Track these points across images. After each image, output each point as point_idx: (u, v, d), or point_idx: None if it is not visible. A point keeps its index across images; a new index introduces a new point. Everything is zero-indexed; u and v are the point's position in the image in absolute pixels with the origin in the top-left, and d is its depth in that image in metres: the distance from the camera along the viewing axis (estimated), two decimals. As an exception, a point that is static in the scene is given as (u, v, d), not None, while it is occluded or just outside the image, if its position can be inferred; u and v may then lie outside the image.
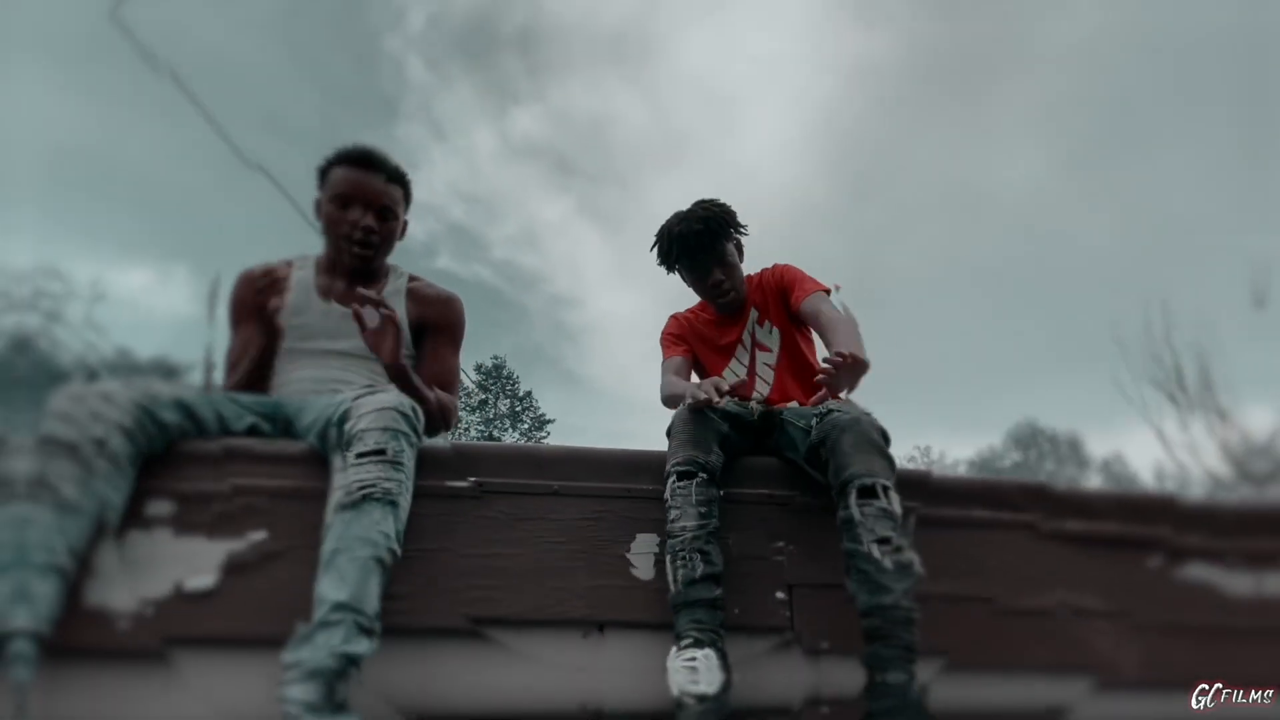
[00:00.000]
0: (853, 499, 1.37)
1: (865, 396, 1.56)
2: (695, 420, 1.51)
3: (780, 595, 1.48)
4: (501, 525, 1.42)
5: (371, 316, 1.51)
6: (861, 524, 1.35)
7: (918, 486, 1.59)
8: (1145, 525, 1.73)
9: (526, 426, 21.53)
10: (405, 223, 1.74)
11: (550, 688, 1.36)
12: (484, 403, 21.08)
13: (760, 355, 1.83)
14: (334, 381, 1.59)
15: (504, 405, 21.65)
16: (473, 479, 1.43)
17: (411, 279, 1.79)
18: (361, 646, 1.16)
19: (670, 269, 1.86)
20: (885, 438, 1.45)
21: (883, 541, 1.34)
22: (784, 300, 1.83)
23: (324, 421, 1.37)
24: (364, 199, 1.63)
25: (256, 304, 1.68)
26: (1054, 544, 1.65)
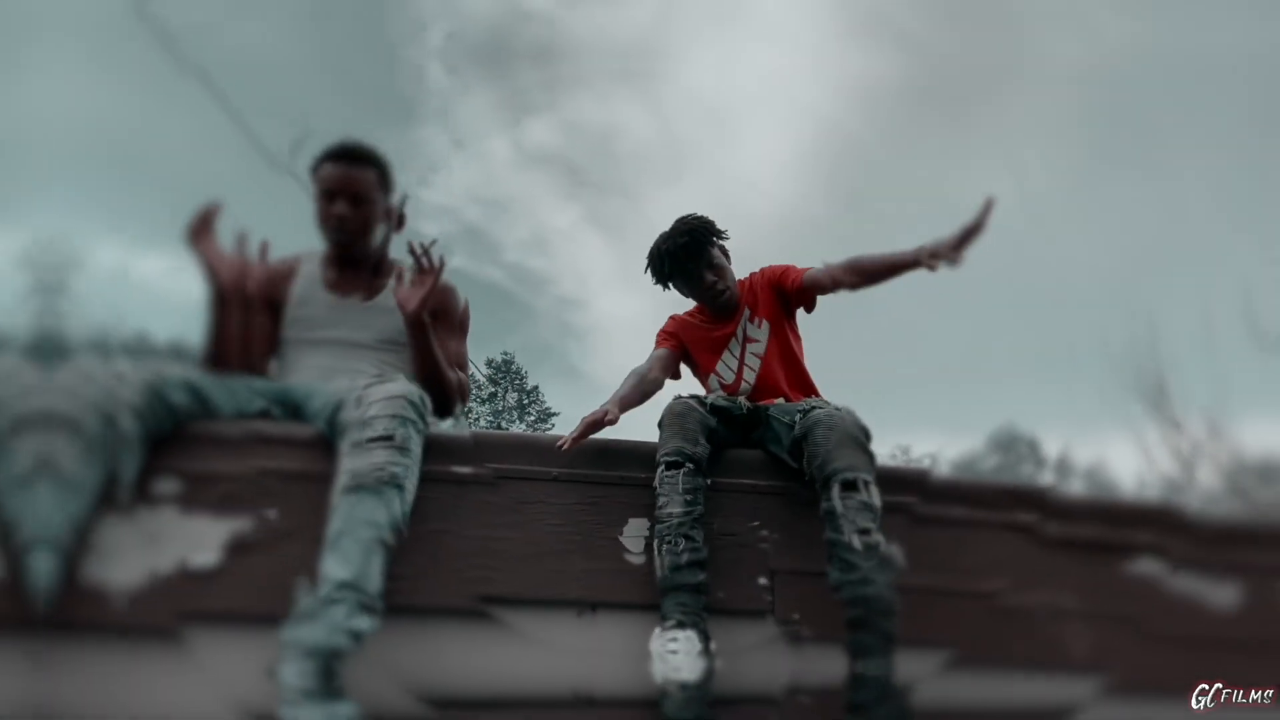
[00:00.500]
0: (835, 492, 1.43)
1: (852, 395, 1.63)
2: (684, 414, 1.58)
3: (763, 581, 1.54)
4: (504, 509, 1.47)
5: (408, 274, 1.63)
6: (844, 516, 1.41)
7: (914, 484, 1.65)
8: (1143, 533, 1.78)
9: (533, 419, 21.65)
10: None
11: (545, 668, 1.41)
12: (493, 395, 21.24)
13: (749, 346, 1.91)
14: (343, 370, 1.63)
15: (512, 398, 21.81)
16: (479, 465, 1.48)
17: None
18: (363, 624, 1.21)
19: (665, 285, 1.94)
20: (866, 434, 1.51)
21: (864, 533, 1.40)
22: (776, 291, 1.90)
23: (333, 407, 1.41)
24: (344, 191, 1.67)
25: (269, 291, 1.73)
26: (1051, 546, 1.70)
